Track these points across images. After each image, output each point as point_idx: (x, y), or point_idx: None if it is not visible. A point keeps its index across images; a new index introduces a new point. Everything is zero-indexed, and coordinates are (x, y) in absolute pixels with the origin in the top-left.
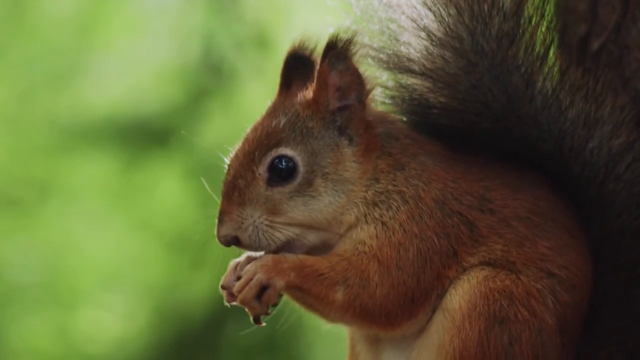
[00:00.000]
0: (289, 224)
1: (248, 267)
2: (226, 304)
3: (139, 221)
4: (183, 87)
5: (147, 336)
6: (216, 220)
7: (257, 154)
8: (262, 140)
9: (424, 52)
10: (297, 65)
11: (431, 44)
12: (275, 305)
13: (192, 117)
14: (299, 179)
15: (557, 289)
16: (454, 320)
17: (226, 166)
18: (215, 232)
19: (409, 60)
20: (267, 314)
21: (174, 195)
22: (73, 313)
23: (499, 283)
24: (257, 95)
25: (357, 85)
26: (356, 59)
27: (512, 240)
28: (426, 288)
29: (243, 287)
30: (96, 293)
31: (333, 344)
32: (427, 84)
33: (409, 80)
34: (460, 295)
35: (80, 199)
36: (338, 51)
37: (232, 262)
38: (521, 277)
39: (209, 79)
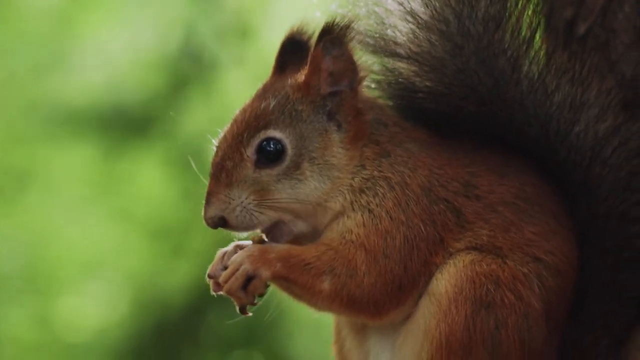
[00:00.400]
0: (277, 207)
1: (234, 257)
2: (213, 293)
3: (119, 210)
4: (163, 76)
5: (128, 325)
6: (203, 202)
7: (245, 135)
8: (251, 122)
9: (410, 36)
10: (293, 50)
11: (417, 27)
12: (261, 295)
13: (172, 106)
14: (287, 161)
15: (543, 274)
16: (440, 305)
17: (214, 148)
18: (203, 213)
19: (395, 43)
20: (253, 304)
21: (155, 184)
22: (54, 302)
23: (485, 267)
24: (237, 84)
25: (350, 71)
26: (351, 46)
27: (499, 226)
28: (413, 275)
29: (229, 277)
30: (77, 282)
31: (313, 332)
32: (413, 68)
33: (395, 64)
34: (447, 279)
35: (60, 188)
36: (334, 36)
37: (220, 252)
38: (507, 261)
39: (190, 67)
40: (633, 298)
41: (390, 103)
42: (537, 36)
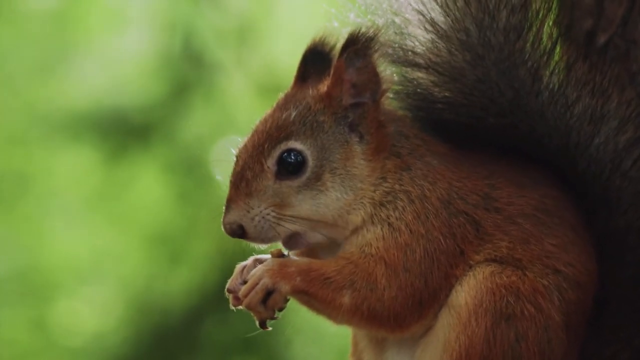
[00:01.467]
0: (296, 218)
1: (254, 271)
2: (232, 307)
3: (118, 215)
4: (164, 80)
5: (125, 330)
6: (223, 209)
7: (266, 146)
8: (272, 133)
9: (430, 45)
10: (315, 60)
11: (437, 37)
12: (281, 309)
13: (173, 110)
14: (307, 173)
15: (563, 286)
16: (459, 317)
17: (234, 157)
18: (221, 220)
19: (414, 53)
20: (273, 318)
21: (154, 190)
22: (51, 306)
23: (505, 279)
24: (239, 89)
25: (374, 84)
26: (375, 57)
27: (518, 238)
28: (434, 289)
29: (249, 292)
30: (74, 286)
31: (312, 339)
32: (433, 78)
33: (414, 74)
34: (466, 291)
35: (59, 192)
36: (358, 47)
37: (239, 266)
38: (527, 273)
39: (190, 72)
40: None
41: (409, 114)
42: (558, 47)
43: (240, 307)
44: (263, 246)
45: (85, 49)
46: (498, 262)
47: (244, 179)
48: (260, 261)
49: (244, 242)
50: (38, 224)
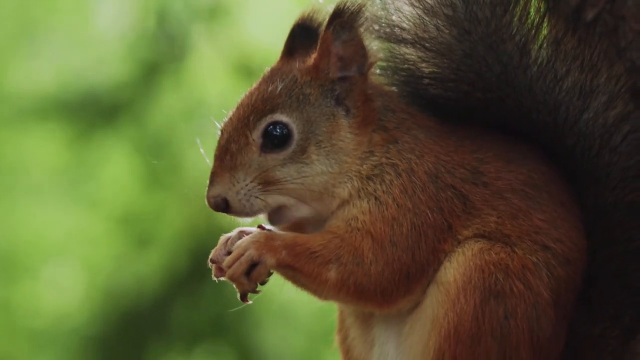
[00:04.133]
0: (281, 191)
1: (239, 242)
2: (214, 278)
3: (86, 196)
4: (134, 60)
5: (93, 313)
6: (207, 182)
7: (251, 118)
8: (257, 105)
9: (417, 21)
10: (302, 35)
11: (424, 12)
12: (263, 283)
13: (142, 91)
14: (293, 146)
15: (552, 263)
16: (448, 294)
17: (219, 131)
18: (205, 193)
19: (401, 29)
20: (255, 291)
21: (123, 171)
22: (16, 287)
23: (494, 256)
24: (210, 70)
25: (360, 57)
26: (361, 31)
27: (506, 213)
28: (422, 263)
29: (233, 262)
30: (41, 267)
31: (281, 322)
32: (420, 53)
33: (401, 49)
34: (455, 267)
35: (26, 173)
36: (344, 20)
37: (223, 237)
38: (516, 249)
39: (161, 52)
40: None
41: (396, 90)
42: (546, 21)
43: (222, 278)
44: (247, 220)
45: (53, 28)
46: (487, 238)
47: (228, 152)
48: (245, 233)
49: (215, 222)
50: (4, 204)
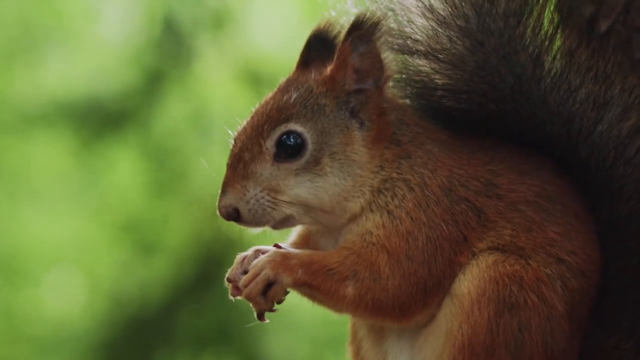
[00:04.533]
0: (292, 202)
1: (255, 261)
2: (231, 297)
3: (92, 203)
4: (140, 68)
5: (99, 320)
6: (219, 191)
7: (265, 127)
8: (272, 114)
9: (430, 32)
10: (318, 46)
11: (436, 24)
12: (280, 301)
13: (148, 99)
14: (306, 156)
15: (566, 275)
16: (462, 306)
17: (232, 140)
18: (217, 203)
19: (414, 41)
20: (272, 310)
21: (129, 178)
22: (20, 293)
23: (508, 268)
24: (215, 77)
25: (377, 70)
26: (379, 44)
27: (521, 225)
28: (438, 276)
29: (249, 282)
30: (47, 275)
31: (287, 329)
32: (433, 65)
33: (414, 61)
34: (469, 280)
35: (32, 181)
36: (362, 32)
37: (239, 256)
38: (530, 262)
39: (167, 60)
40: None
41: (409, 102)
42: (559, 32)
43: (239, 297)
44: (256, 230)
45: (59, 35)
46: (501, 251)
47: (241, 161)
48: (261, 252)
49: (220, 229)
50: (9, 211)
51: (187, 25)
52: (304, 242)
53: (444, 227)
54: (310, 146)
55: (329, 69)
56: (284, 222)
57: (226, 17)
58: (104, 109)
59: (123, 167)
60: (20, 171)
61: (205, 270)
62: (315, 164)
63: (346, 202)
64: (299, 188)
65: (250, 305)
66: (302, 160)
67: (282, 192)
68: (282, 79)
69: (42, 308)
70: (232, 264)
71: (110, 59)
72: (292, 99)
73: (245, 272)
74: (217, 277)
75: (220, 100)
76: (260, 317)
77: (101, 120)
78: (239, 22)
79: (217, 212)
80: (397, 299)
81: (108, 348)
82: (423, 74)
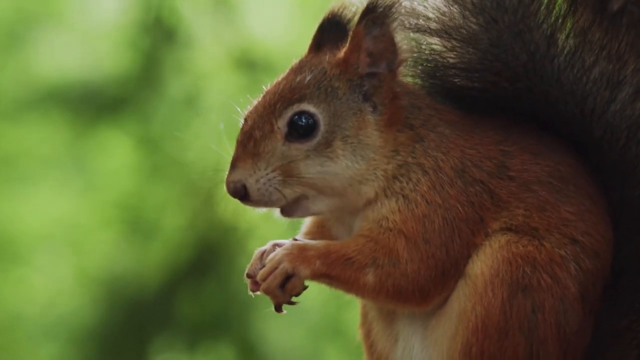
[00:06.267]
0: (302, 184)
1: (272, 255)
2: (250, 293)
3: (89, 189)
4: (136, 53)
5: (94, 305)
6: (227, 167)
7: (277, 106)
8: (285, 94)
9: (443, 9)
10: (331, 29)
11: (449, 1)
12: (298, 294)
13: (145, 85)
14: (318, 137)
15: (580, 256)
16: (475, 287)
17: (242, 119)
18: (226, 179)
19: (427, 18)
20: (290, 303)
21: (126, 164)
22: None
23: (521, 248)
24: (212, 63)
25: (391, 53)
26: (393, 27)
27: (534, 205)
28: (456, 258)
29: (267, 276)
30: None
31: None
32: (445, 43)
33: (426, 39)
34: (482, 260)
35: (29, 167)
36: (376, 15)
37: (257, 251)
38: (544, 242)
39: (164, 45)
40: None
41: (420, 81)
42: (573, 10)
43: (258, 292)
44: (262, 210)
45: (55, 21)
46: (514, 232)
47: (252, 139)
48: (278, 246)
49: (218, 215)
50: (4, 196)
51: (184, 11)
52: (319, 230)
53: (460, 208)
54: (322, 127)
55: (342, 52)
56: (296, 205)
57: (222, 3)
58: (100, 95)
59: (119, 153)
60: (14, 156)
61: (202, 256)
62: (326, 145)
63: (360, 185)
64: (309, 169)
65: (269, 298)
66: (313, 141)
67: (292, 173)
68: (294, 61)
69: (36, 294)
70: (228, 250)
71: (106, 45)
72: (306, 79)
73: (263, 267)
74: (214, 263)
75: (217, 86)
76: (278, 309)
77: (97, 106)
78: (236, 8)
79: (225, 188)
80: (417, 283)
81: (104, 335)
82: (436, 53)
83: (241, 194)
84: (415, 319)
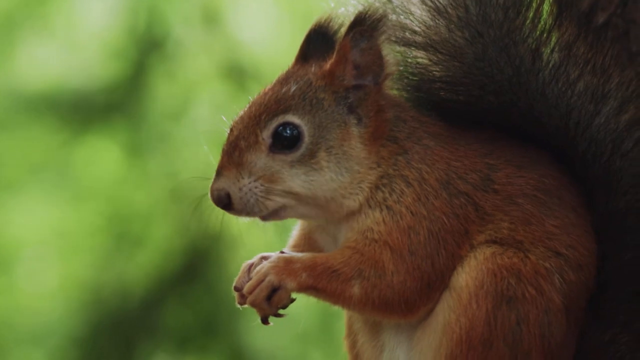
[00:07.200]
0: (284, 194)
1: (258, 268)
2: (237, 305)
3: (78, 196)
4: (126, 60)
5: (81, 313)
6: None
7: (263, 117)
8: (270, 105)
9: (428, 23)
10: (318, 40)
11: (435, 14)
12: (284, 307)
13: (135, 92)
14: (302, 149)
15: (564, 269)
16: (460, 299)
17: (228, 129)
18: (211, 186)
19: (413, 32)
20: (277, 315)
21: (115, 171)
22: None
23: (506, 260)
24: (202, 70)
25: (377, 67)
26: (381, 41)
27: (519, 218)
28: (441, 270)
29: (254, 289)
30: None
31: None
32: (431, 57)
33: (412, 53)
34: (467, 272)
35: (15, 174)
36: (364, 28)
37: (245, 264)
38: (529, 255)
39: (153, 53)
40: None
41: (406, 94)
42: (558, 24)
43: (245, 305)
44: (245, 219)
45: (44, 29)
46: (499, 244)
47: (237, 148)
48: (266, 259)
49: (206, 222)
50: None
51: (174, 18)
52: (305, 242)
53: (445, 219)
54: (306, 139)
55: (328, 64)
56: (275, 213)
57: (212, 12)
58: (88, 103)
59: (107, 161)
60: (1, 163)
61: (191, 263)
62: (311, 157)
63: (343, 199)
64: (293, 180)
65: (255, 310)
66: (297, 153)
67: (276, 183)
68: (281, 72)
69: (23, 298)
70: (217, 257)
71: (94, 53)
72: (291, 91)
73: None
74: (202, 270)
75: (206, 94)
76: (265, 321)
77: (85, 114)
78: (224, 18)
79: (209, 195)
80: (402, 295)
81: (90, 340)
82: (421, 66)
83: (224, 202)
84: (401, 331)
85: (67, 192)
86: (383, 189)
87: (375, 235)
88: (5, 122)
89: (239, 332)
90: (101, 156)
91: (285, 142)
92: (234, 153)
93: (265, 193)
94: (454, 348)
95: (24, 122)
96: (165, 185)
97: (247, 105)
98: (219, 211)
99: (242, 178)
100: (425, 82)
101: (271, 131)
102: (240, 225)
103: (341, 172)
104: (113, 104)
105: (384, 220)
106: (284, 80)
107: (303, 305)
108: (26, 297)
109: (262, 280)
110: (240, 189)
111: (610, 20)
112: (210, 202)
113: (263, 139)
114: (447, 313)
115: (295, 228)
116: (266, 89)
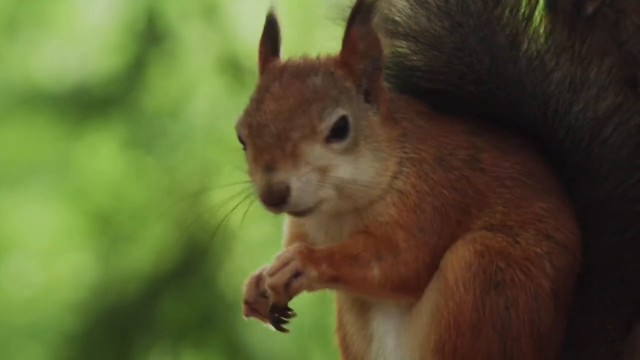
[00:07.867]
0: (337, 183)
1: (282, 252)
2: (244, 317)
3: (73, 190)
4: (125, 55)
5: (77, 309)
6: (259, 173)
7: (315, 108)
8: (314, 96)
9: (408, 12)
10: (272, 33)
11: (415, 4)
12: (289, 315)
13: (133, 86)
14: (349, 138)
15: (554, 253)
16: (447, 282)
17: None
18: (264, 182)
19: (393, 22)
20: (285, 309)
21: (112, 166)
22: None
23: (495, 243)
24: (200, 65)
25: (377, 51)
26: (375, 24)
27: (511, 201)
28: (445, 247)
29: (277, 270)
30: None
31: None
32: (411, 46)
33: (393, 43)
34: (453, 252)
35: (11, 168)
36: (362, 15)
37: (252, 277)
38: (519, 239)
39: (152, 47)
40: None
41: (386, 83)
42: (537, 13)
43: (252, 317)
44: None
45: (43, 23)
46: (489, 230)
47: (289, 141)
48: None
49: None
50: None
51: (173, 13)
52: (299, 241)
53: (446, 193)
54: (351, 129)
55: (338, 54)
56: (318, 206)
57: (211, 7)
58: (88, 97)
59: (104, 155)
60: (2, 159)
61: (188, 258)
62: (355, 145)
63: (372, 190)
64: (345, 168)
65: (269, 295)
66: (346, 142)
67: (329, 173)
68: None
69: (16, 295)
70: (214, 253)
71: (93, 47)
72: (326, 82)
73: (262, 294)
74: (199, 265)
75: (205, 89)
76: (279, 327)
77: (83, 108)
78: (224, 13)
79: (260, 193)
80: (415, 271)
81: (85, 336)
82: (401, 56)
83: (284, 194)
84: (389, 318)
85: (64, 186)
86: (399, 175)
87: (387, 218)
88: (2, 115)
89: (236, 328)
90: (99, 151)
91: (339, 132)
92: (287, 145)
93: (320, 182)
94: (443, 333)
95: (21, 116)
96: (163, 179)
97: (268, 100)
98: (217, 207)
99: (301, 168)
100: (405, 71)
101: (330, 123)
102: (237, 221)
103: (377, 159)
104: (111, 99)
105: (394, 202)
106: (306, 72)
107: (302, 300)
108: (19, 294)
109: (287, 264)
110: (299, 179)
111: (599, 10)
112: (205, 198)
113: (321, 130)
114: (435, 296)
115: (285, 228)
116: (287, 81)
